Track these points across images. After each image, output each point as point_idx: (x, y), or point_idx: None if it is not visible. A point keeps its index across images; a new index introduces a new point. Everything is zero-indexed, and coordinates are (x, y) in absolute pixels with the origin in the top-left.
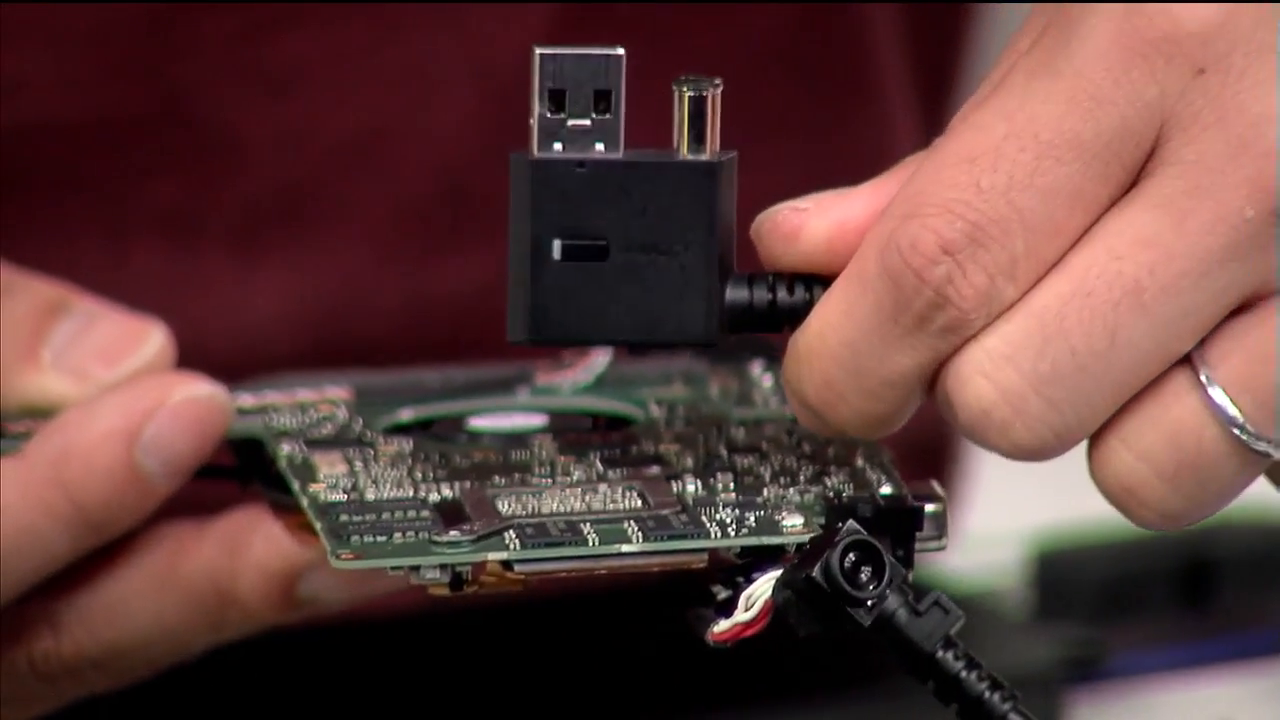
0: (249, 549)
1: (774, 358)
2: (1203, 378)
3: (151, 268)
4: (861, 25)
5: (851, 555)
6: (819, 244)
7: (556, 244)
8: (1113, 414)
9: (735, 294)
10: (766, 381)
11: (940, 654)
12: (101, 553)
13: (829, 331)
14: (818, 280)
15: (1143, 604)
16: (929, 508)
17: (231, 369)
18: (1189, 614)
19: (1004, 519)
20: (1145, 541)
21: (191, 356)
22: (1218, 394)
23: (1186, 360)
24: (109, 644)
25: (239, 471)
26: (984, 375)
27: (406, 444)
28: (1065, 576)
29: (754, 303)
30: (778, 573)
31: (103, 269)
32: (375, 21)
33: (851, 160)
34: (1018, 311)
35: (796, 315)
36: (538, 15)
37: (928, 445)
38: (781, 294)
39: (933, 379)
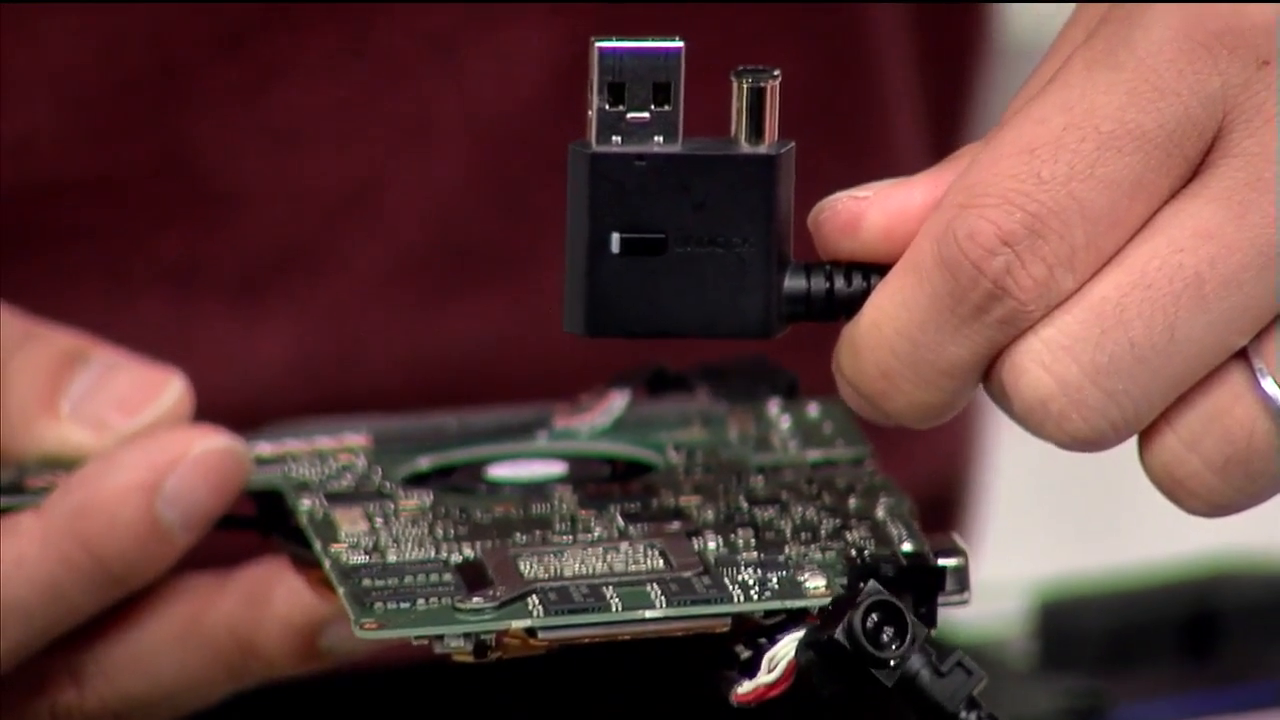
0: (270, 602)
1: (791, 394)
2: (1257, 372)
3: (155, 320)
4: (876, 77)
5: (874, 616)
6: (877, 234)
7: (615, 238)
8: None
9: (793, 283)
10: (784, 422)
11: (963, 715)
12: (124, 604)
13: (885, 321)
14: (875, 269)
15: (1146, 654)
16: (951, 563)
17: (235, 421)
18: (1192, 664)
19: (1008, 569)
20: (1149, 592)
21: (195, 409)
22: (1271, 388)
23: (1241, 354)
24: (132, 695)
25: (259, 522)
26: (1042, 366)
27: (426, 497)
28: (1069, 627)
29: (811, 292)
30: (800, 634)
31: (107, 322)
32: (373, 74)
33: None
34: (1076, 303)
35: (854, 304)
36: (535, 67)
37: (931, 496)
38: (839, 283)
39: (988, 369)
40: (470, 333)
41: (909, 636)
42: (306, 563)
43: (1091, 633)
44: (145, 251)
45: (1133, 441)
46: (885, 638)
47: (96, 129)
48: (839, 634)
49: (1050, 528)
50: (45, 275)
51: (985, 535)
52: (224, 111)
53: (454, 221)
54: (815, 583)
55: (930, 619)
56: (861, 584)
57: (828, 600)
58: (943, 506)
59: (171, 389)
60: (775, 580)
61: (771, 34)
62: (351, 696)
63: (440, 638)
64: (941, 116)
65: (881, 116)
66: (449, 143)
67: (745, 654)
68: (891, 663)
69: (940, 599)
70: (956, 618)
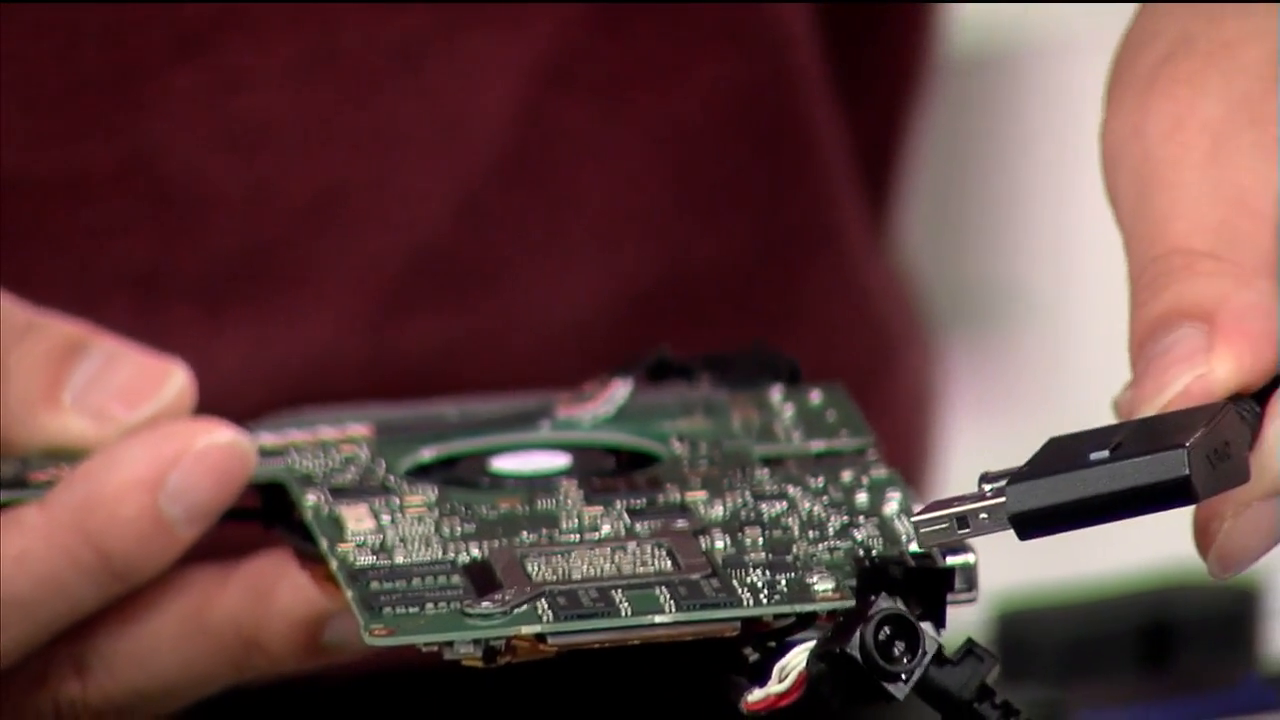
0: (274, 597)
1: (793, 380)
2: None
3: (119, 326)
4: (804, 104)
5: (886, 629)
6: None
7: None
8: None
9: None
10: (787, 410)
11: (978, 705)
12: (127, 598)
13: None
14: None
15: (1104, 665)
16: (959, 561)
17: None
18: (1150, 675)
19: None
20: (1107, 603)
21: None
22: None
23: None
24: (135, 689)
25: (262, 514)
26: None
27: (431, 492)
28: (1027, 638)
29: None
30: (811, 643)
31: None
32: (342, 81)
33: (795, 229)
34: None
35: None
36: (504, 80)
37: None
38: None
39: None
40: (436, 342)
41: (920, 649)
42: (310, 557)
43: (1049, 644)
44: (108, 255)
45: None
46: (897, 651)
47: (55, 129)
48: (850, 648)
49: (1006, 541)
50: (7, 278)
51: None
52: (186, 115)
53: (419, 229)
54: (824, 585)
55: (940, 620)
56: (871, 595)
57: (837, 604)
58: None
59: (174, 380)
60: (784, 582)
61: (704, 40)
62: (356, 694)
63: (450, 644)
64: (874, 127)
65: (811, 146)
66: (414, 150)
67: (754, 657)
68: (903, 676)
69: (949, 599)
70: None
